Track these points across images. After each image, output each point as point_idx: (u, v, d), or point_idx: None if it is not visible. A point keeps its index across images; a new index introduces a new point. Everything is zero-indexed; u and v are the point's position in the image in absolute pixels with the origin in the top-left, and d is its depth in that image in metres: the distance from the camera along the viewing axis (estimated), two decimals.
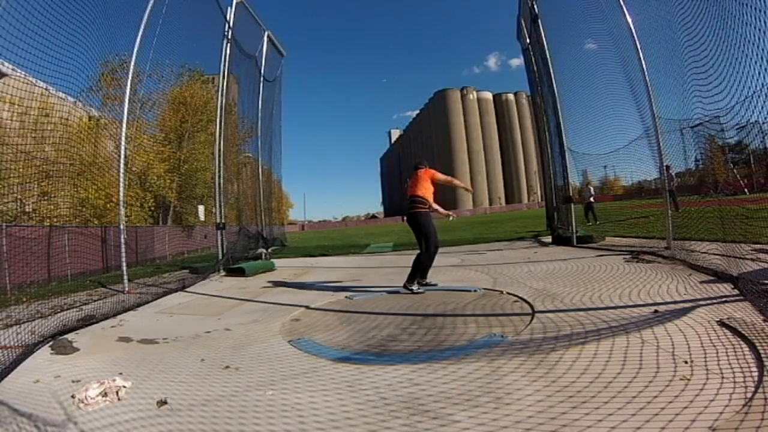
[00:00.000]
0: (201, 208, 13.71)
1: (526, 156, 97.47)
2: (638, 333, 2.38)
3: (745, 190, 7.21)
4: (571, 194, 8.12)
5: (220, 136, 8.21)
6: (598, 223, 11.49)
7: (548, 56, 8.23)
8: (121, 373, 2.36)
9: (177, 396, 2.06)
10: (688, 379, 1.74)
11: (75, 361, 2.76)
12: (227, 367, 2.46)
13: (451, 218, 5.16)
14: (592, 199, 11.92)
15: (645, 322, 2.58)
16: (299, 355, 2.61)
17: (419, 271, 4.42)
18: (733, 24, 3.11)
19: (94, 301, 5.11)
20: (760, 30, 2.69)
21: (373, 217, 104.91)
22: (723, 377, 1.73)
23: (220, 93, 8.40)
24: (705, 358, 1.95)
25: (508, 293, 3.89)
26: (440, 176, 4.69)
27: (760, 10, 2.66)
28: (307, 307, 4.07)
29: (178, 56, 8.46)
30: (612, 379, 1.83)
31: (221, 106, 8.37)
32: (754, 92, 2.92)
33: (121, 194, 5.93)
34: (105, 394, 2.04)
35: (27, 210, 8.06)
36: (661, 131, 5.71)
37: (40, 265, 7.27)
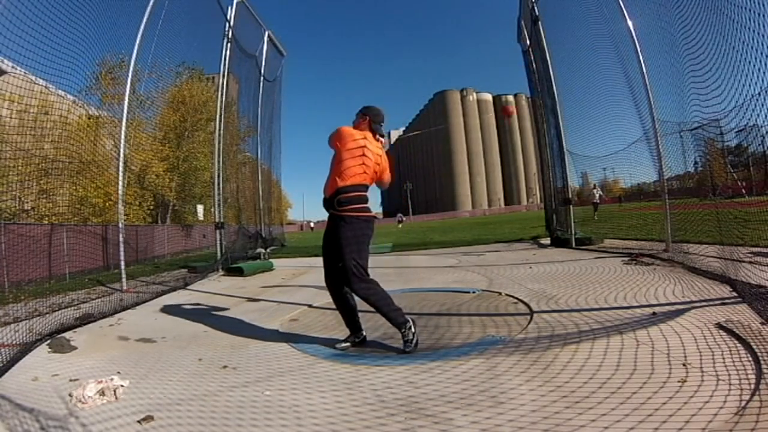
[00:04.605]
0: (200, 208, 13.72)
1: (525, 158, 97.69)
2: (635, 334, 2.39)
3: (743, 192, 7.22)
4: (570, 196, 8.13)
5: (219, 135, 8.22)
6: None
7: (548, 58, 8.24)
8: (119, 372, 2.36)
9: (174, 395, 2.06)
10: (684, 381, 1.74)
11: (73, 359, 2.77)
12: (225, 366, 2.47)
13: None
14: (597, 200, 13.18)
15: (642, 323, 2.59)
16: (297, 355, 2.61)
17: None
18: (731, 27, 3.12)
19: (93, 299, 5.11)
20: (758, 33, 2.69)
21: (373, 217, 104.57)
22: (719, 379, 1.74)
23: (219, 92, 8.41)
24: (702, 360, 1.95)
25: (507, 294, 3.90)
26: None
27: (758, 14, 2.67)
28: (306, 307, 4.07)
29: (178, 55, 8.46)
30: (606, 380, 1.83)
31: (221, 105, 8.38)
32: (753, 96, 2.93)
33: (120, 192, 5.94)
34: (102, 393, 2.04)
35: (26, 208, 8.05)
36: (660, 134, 5.73)
37: (39, 263, 7.25)
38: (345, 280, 2.57)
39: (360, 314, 2.79)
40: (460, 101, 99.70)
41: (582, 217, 10.15)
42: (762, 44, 2.75)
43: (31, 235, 7.08)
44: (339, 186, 2.55)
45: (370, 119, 2.73)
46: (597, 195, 13.41)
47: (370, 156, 2.63)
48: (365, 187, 2.65)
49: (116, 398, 2.03)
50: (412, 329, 2.51)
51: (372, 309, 2.59)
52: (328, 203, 2.61)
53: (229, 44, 8.48)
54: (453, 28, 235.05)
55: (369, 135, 2.71)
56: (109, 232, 9.26)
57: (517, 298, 3.69)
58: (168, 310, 4.40)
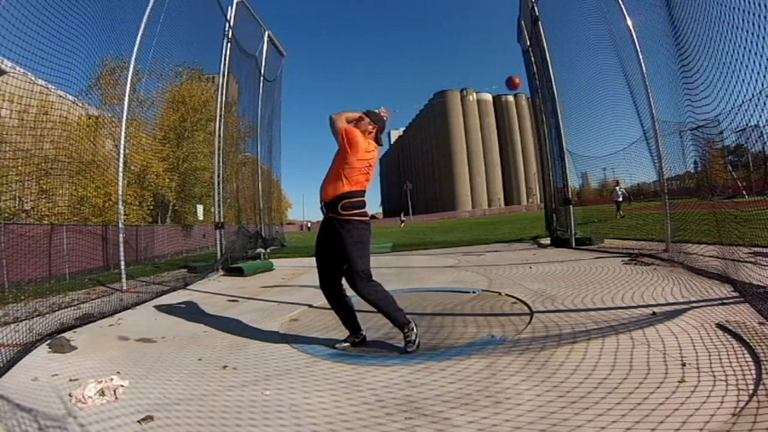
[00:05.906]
0: (200, 208, 13.71)
1: (525, 158, 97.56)
2: (635, 335, 2.39)
3: (744, 192, 7.22)
4: (570, 196, 8.12)
5: (219, 135, 8.22)
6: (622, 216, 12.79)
7: (548, 58, 8.24)
8: (118, 372, 2.36)
9: (174, 395, 2.06)
10: (682, 381, 1.74)
11: (73, 359, 2.77)
12: (225, 366, 2.47)
13: None
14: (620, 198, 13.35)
15: (642, 323, 2.59)
16: (297, 355, 2.62)
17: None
18: (722, 28, 3.10)
19: (93, 299, 5.12)
20: (753, 34, 2.68)
21: (372, 217, 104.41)
22: (717, 379, 1.74)
23: (219, 92, 8.41)
24: (701, 360, 1.95)
25: (507, 294, 3.90)
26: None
27: (753, 14, 2.66)
28: (306, 307, 4.08)
29: (178, 55, 8.46)
30: (602, 379, 1.84)
31: (221, 105, 8.38)
32: (749, 98, 2.92)
33: (120, 192, 5.94)
34: (102, 393, 2.05)
35: (26, 208, 8.05)
36: (660, 134, 5.72)
37: (39, 263, 7.26)
38: (350, 282, 2.59)
39: (361, 314, 2.82)
40: (460, 101, 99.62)
41: (582, 216, 10.14)
42: (757, 45, 2.73)
43: (31, 235, 7.08)
44: (343, 191, 2.54)
45: (378, 129, 2.77)
46: (620, 193, 13.31)
47: (373, 165, 2.70)
48: (365, 192, 2.67)
49: (116, 398, 2.03)
50: (414, 330, 2.53)
51: (372, 309, 2.60)
52: (330, 207, 2.57)
53: (229, 44, 8.48)
54: (453, 28, 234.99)
55: (374, 143, 2.75)
56: (109, 232, 9.27)
57: (516, 298, 3.69)
58: (168, 310, 4.40)
